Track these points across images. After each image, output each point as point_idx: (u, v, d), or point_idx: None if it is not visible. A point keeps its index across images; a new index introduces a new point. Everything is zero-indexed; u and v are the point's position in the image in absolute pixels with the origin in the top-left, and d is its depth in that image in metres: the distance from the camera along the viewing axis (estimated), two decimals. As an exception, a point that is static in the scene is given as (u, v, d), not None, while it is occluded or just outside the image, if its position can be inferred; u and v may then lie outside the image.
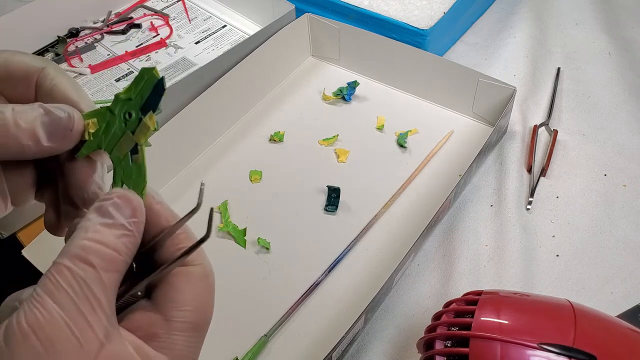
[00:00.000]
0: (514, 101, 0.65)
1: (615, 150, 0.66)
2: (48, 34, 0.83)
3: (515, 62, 0.77)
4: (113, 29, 0.86)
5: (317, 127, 0.70)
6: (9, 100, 0.28)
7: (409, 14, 0.76)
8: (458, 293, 0.52)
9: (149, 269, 0.25)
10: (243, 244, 0.58)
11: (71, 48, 0.83)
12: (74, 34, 0.85)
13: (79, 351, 0.21)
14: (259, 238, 0.59)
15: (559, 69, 0.76)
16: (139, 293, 0.26)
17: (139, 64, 0.81)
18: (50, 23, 0.83)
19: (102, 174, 0.29)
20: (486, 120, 0.68)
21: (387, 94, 0.74)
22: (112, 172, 0.27)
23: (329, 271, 0.56)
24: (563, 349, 0.36)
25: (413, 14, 0.76)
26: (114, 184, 0.27)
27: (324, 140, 0.69)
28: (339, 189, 0.62)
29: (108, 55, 0.82)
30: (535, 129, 0.67)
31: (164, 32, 0.86)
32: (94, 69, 0.79)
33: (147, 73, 0.26)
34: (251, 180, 0.65)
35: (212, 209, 0.24)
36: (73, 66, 0.80)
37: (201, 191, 0.26)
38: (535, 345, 0.37)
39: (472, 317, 0.40)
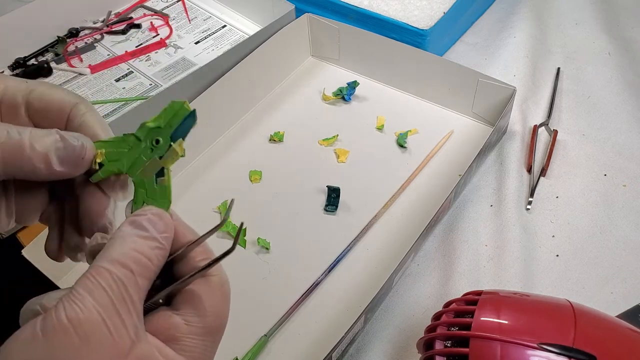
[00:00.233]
0: (513, 101, 0.65)
1: (615, 150, 0.66)
2: (48, 34, 0.83)
3: (515, 62, 0.77)
4: (113, 29, 0.86)
5: (317, 127, 0.70)
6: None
7: (409, 14, 0.76)
8: (458, 293, 0.52)
9: (167, 279, 0.27)
10: (243, 244, 0.58)
11: (71, 48, 0.83)
12: (74, 34, 0.85)
13: (112, 348, 0.23)
14: (259, 238, 0.59)
15: (559, 69, 0.76)
16: (160, 300, 0.27)
17: (138, 64, 0.81)
18: (50, 23, 0.83)
19: (113, 209, 0.31)
20: (486, 120, 0.68)
21: (387, 94, 0.74)
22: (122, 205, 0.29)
23: (329, 271, 0.56)
24: (563, 349, 0.36)
25: (413, 14, 0.76)
26: (135, 204, 0.29)
27: (324, 140, 0.69)
28: (339, 189, 0.62)
29: (108, 55, 0.82)
30: (535, 129, 0.67)
31: (163, 32, 0.86)
32: (94, 69, 0.79)
33: (179, 106, 0.28)
34: (251, 180, 0.65)
35: (242, 224, 0.27)
36: (73, 66, 0.80)
37: (229, 208, 0.28)
38: (535, 345, 0.37)
39: (472, 317, 0.40)
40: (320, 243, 0.59)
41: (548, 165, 0.64)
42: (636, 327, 0.40)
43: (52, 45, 0.83)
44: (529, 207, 0.60)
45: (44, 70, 0.78)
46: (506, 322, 0.39)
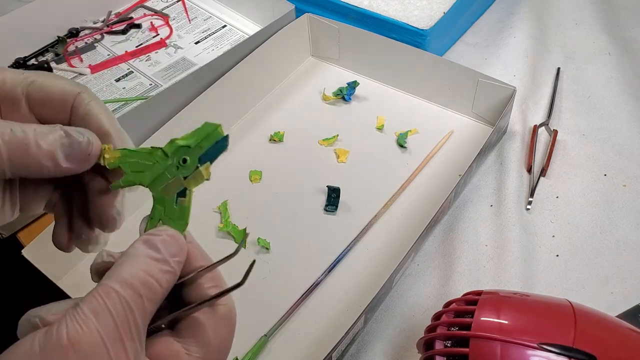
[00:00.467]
0: (513, 101, 0.65)
1: (615, 150, 0.66)
2: (48, 34, 0.83)
3: (515, 62, 0.77)
4: (113, 29, 0.86)
5: (317, 127, 0.70)
6: (42, 122, 0.29)
7: (409, 14, 0.76)
8: (458, 293, 0.52)
9: (173, 301, 0.27)
10: (243, 244, 0.58)
11: (71, 48, 0.83)
12: (74, 34, 0.85)
13: None
14: (259, 238, 0.58)
15: (558, 68, 0.76)
16: (163, 325, 0.27)
17: (138, 64, 0.81)
18: (50, 23, 0.83)
19: (122, 199, 0.31)
20: (486, 120, 0.68)
21: (387, 94, 0.74)
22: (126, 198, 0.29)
23: (329, 271, 0.56)
24: (563, 349, 0.36)
25: (413, 14, 0.76)
26: (151, 220, 0.28)
27: (324, 140, 0.69)
28: (339, 189, 0.62)
29: (108, 55, 0.82)
30: (535, 129, 0.67)
31: (164, 32, 0.86)
32: (94, 69, 0.79)
33: (212, 128, 0.27)
34: (251, 180, 0.65)
35: (254, 261, 0.26)
36: (73, 66, 0.80)
37: (242, 241, 0.28)
38: (535, 345, 0.37)
39: (472, 317, 0.40)
40: (320, 243, 0.59)
41: (548, 165, 0.64)
42: (636, 327, 0.40)
43: (52, 45, 0.83)
44: (529, 207, 0.60)
45: (44, 71, 0.78)
46: (506, 322, 0.39)
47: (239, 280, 0.26)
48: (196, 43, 0.84)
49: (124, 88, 0.77)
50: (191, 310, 0.26)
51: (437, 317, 0.44)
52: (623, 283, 0.54)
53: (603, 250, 0.56)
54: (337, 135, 0.69)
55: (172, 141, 0.28)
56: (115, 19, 0.88)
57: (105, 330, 0.22)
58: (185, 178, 0.28)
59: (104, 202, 0.30)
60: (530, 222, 0.59)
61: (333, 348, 0.46)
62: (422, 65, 0.70)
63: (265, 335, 0.51)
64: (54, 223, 0.32)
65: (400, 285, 0.55)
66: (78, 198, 0.31)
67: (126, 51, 0.82)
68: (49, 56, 0.82)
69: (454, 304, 0.44)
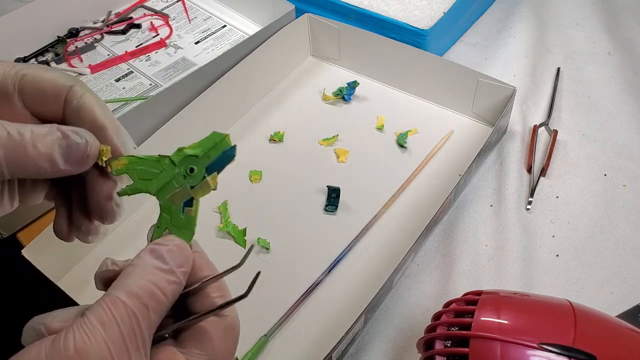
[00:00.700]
0: (513, 101, 0.65)
1: (615, 150, 0.65)
2: (48, 34, 0.83)
3: (515, 62, 0.77)
4: (113, 29, 0.86)
5: (317, 127, 0.70)
6: (36, 116, 0.29)
7: (409, 14, 0.76)
8: (458, 293, 0.52)
9: (178, 312, 0.27)
10: (243, 244, 0.58)
11: (71, 48, 0.83)
12: (74, 34, 0.85)
13: None
14: (259, 238, 0.58)
15: (558, 68, 0.76)
16: (167, 335, 0.27)
17: (138, 64, 0.81)
18: (50, 23, 0.83)
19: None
20: (486, 120, 0.68)
21: (387, 94, 0.74)
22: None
23: (329, 271, 0.56)
24: (563, 349, 0.36)
25: (413, 14, 0.76)
26: (157, 228, 0.28)
27: (324, 140, 0.69)
28: (339, 189, 0.62)
29: (108, 55, 0.82)
30: (535, 129, 0.67)
31: (163, 32, 0.86)
32: (94, 69, 0.79)
33: (219, 138, 0.28)
34: (251, 180, 0.65)
35: (259, 273, 0.26)
36: (73, 66, 0.80)
37: (248, 253, 0.28)
38: (535, 345, 0.37)
39: (472, 317, 0.40)
40: (320, 243, 0.59)
41: (548, 165, 0.64)
42: (636, 327, 0.40)
43: (52, 45, 0.83)
44: (529, 207, 0.60)
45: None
46: (506, 322, 0.39)
47: (243, 290, 0.26)
48: (196, 43, 0.84)
49: (124, 88, 0.77)
50: (196, 320, 0.26)
51: (437, 317, 0.44)
52: (623, 283, 0.54)
53: (603, 250, 0.56)
54: (337, 135, 0.69)
55: (179, 150, 0.28)
56: (115, 19, 0.88)
57: (112, 341, 0.22)
58: (192, 187, 0.28)
59: (102, 195, 0.30)
60: (530, 222, 0.59)
61: (333, 348, 0.46)
62: (422, 65, 0.70)
63: (265, 335, 0.51)
64: (54, 219, 0.32)
65: (400, 285, 0.55)
66: (77, 190, 0.31)
67: (126, 51, 0.82)
68: (49, 56, 0.82)
69: (454, 304, 0.44)
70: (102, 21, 0.88)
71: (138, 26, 0.87)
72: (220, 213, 0.61)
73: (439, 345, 0.41)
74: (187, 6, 0.90)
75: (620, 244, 0.57)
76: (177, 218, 0.28)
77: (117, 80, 0.78)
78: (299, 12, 0.76)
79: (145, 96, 0.75)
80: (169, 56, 0.82)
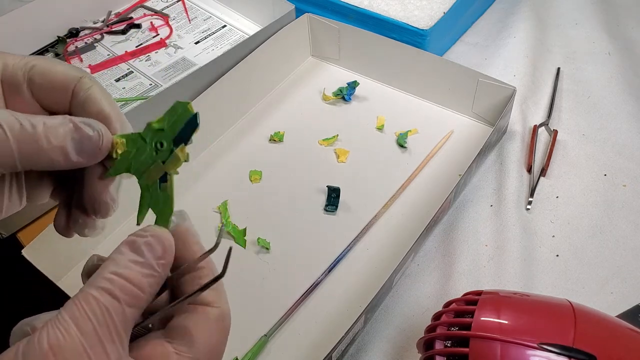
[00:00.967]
0: (513, 101, 0.65)
1: (615, 150, 0.66)
2: (48, 34, 0.83)
3: (515, 62, 0.77)
4: (113, 29, 0.86)
5: (317, 127, 0.70)
6: (43, 107, 0.29)
7: (409, 14, 0.76)
8: (458, 293, 0.52)
9: (173, 296, 0.27)
10: (243, 244, 0.58)
11: (71, 48, 0.83)
12: (74, 34, 0.85)
13: None
14: (259, 238, 0.58)
15: (558, 68, 0.76)
16: (150, 325, 0.26)
17: (138, 64, 0.81)
18: (50, 23, 0.83)
19: (117, 186, 0.30)
20: (486, 120, 0.68)
21: (387, 94, 0.74)
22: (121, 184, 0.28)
23: (329, 271, 0.56)
24: (563, 349, 0.36)
25: (413, 14, 0.76)
26: (141, 209, 0.27)
27: (324, 140, 0.69)
28: (339, 189, 0.62)
29: (108, 55, 0.82)
30: (535, 129, 0.67)
31: (163, 32, 0.86)
32: (94, 69, 0.79)
33: (181, 107, 0.26)
34: (251, 180, 0.65)
35: (230, 249, 0.25)
36: (73, 66, 0.80)
37: (220, 233, 0.27)
38: (535, 345, 0.37)
39: (472, 317, 0.40)
40: (320, 243, 0.59)
41: (548, 165, 0.64)
42: (636, 327, 0.40)
43: (52, 45, 0.83)
44: (529, 207, 0.60)
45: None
46: (506, 322, 0.39)
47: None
48: (196, 43, 0.84)
49: (124, 88, 0.77)
50: (177, 305, 0.26)
51: (437, 317, 0.44)
52: (623, 283, 0.54)
53: (603, 250, 0.56)
54: (337, 135, 0.69)
55: (148, 125, 0.27)
56: (115, 19, 0.88)
57: (84, 335, 0.22)
58: (163, 162, 0.27)
59: (98, 188, 0.29)
60: (530, 222, 0.59)
61: (333, 348, 0.46)
62: (422, 65, 0.70)
63: (265, 335, 0.51)
64: (53, 222, 0.32)
65: (400, 285, 0.55)
66: (76, 183, 0.31)
67: (126, 51, 0.82)
68: (49, 56, 0.82)
69: (454, 304, 0.44)
70: (102, 21, 0.88)
71: (138, 26, 0.87)
72: (220, 213, 0.61)
73: (439, 345, 0.41)
74: (187, 6, 0.90)
75: (620, 244, 0.57)
76: (156, 196, 0.27)
77: (117, 80, 0.78)
78: (299, 12, 0.76)
79: (145, 96, 0.75)
80: (169, 56, 0.82)
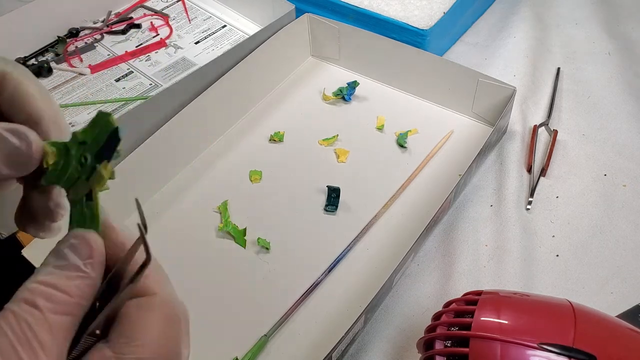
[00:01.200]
0: (513, 101, 0.65)
1: (615, 150, 0.66)
2: (48, 34, 0.83)
3: (515, 62, 0.77)
4: (113, 29, 0.86)
5: (317, 127, 0.70)
6: None
7: (409, 14, 0.76)
8: (458, 293, 0.52)
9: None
10: (243, 244, 0.58)
11: (71, 48, 0.83)
12: (74, 34, 0.85)
13: None
14: (259, 238, 0.58)
15: (558, 68, 0.76)
16: (97, 332, 0.24)
17: (138, 64, 0.81)
18: (50, 23, 0.83)
19: (60, 191, 0.27)
20: (486, 120, 0.68)
21: (387, 94, 0.74)
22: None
23: (329, 271, 0.56)
24: (563, 349, 0.36)
25: (413, 14, 0.76)
26: (71, 225, 0.25)
27: (324, 140, 0.69)
28: (339, 189, 0.62)
29: (108, 55, 0.82)
30: (535, 129, 0.67)
31: (163, 32, 0.86)
32: (94, 69, 0.79)
33: (103, 119, 0.23)
34: (251, 180, 0.65)
35: (141, 227, 0.23)
36: (73, 66, 0.80)
37: (139, 208, 0.24)
38: (535, 345, 0.37)
39: (472, 317, 0.40)
40: (320, 243, 0.59)
41: (548, 165, 0.64)
42: (636, 327, 0.40)
43: (52, 45, 0.83)
44: (529, 207, 0.60)
45: (44, 70, 0.78)
46: (506, 322, 0.39)
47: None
48: (196, 43, 0.84)
49: (124, 88, 0.77)
50: (115, 306, 0.23)
51: (437, 317, 0.44)
52: (623, 283, 0.54)
53: (603, 250, 0.56)
54: (337, 135, 0.69)
55: (73, 135, 0.24)
56: (115, 19, 0.88)
57: (2, 353, 0.20)
58: (87, 179, 0.24)
59: (37, 196, 0.27)
60: (530, 222, 0.59)
61: (333, 348, 0.46)
62: (422, 65, 0.70)
63: (265, 335, 0.51)
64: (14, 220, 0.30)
65: (400, 285, 0.55)
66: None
67: (126, 51, 0.82)
68: (49, 56, 0.82)
69: (454, 304, 0.44)
70: (102, 21, 0.88)
71: (138, 26, 0.87)
72: (220, 213, 0.61)
73: (439, 345, 0.41)
74: (187, 6, 0.90)
75: (620, 244, 0.57)
76: (83, 213, 0.24)
77: (117, 80, 0.78)
78: (299, 12, 0.76)
79: (145, 96, 0.75)
80: (169, 56, 0.82)
